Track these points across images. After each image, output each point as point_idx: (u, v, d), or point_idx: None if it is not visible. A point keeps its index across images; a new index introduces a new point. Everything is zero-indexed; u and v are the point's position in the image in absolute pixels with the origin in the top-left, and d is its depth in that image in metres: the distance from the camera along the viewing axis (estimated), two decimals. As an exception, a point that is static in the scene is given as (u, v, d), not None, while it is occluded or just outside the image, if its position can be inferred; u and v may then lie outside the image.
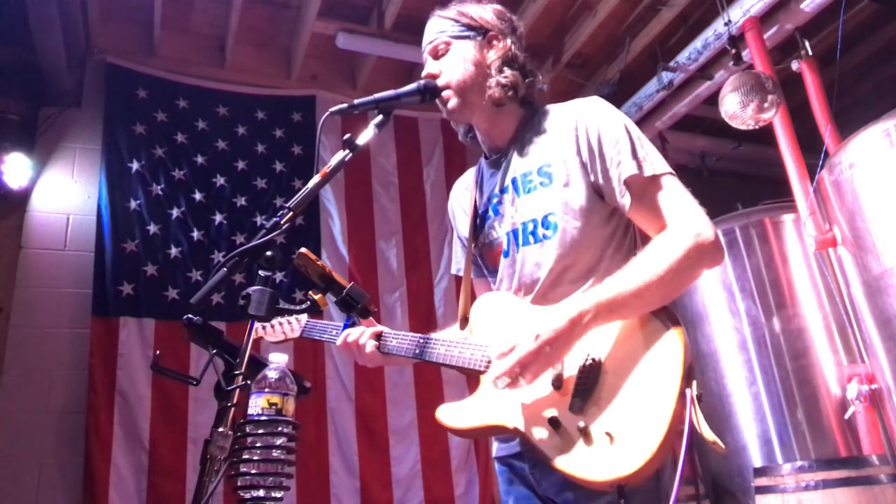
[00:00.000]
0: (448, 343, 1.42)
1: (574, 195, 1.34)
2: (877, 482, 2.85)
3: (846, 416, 3.56)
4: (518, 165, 1.43)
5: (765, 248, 4.06)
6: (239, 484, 1.10)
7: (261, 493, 1.09)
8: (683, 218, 1.26)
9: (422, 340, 1.47)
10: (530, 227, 1.38)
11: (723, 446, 1.10)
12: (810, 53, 4.12)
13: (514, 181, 1.43)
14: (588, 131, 1.34)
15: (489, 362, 1.33)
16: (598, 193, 1.34)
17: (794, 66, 4.16)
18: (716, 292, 4.16)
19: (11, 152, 3.83)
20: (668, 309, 1.21)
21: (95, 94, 4.27)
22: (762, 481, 3.10)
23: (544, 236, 1.35)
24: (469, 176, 1.64)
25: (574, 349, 1.20)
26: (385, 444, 4.23)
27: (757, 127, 3.75)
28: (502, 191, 1.45)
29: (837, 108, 4.02)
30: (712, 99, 4.23)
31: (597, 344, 1.21)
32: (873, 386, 3.41)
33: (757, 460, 3.76)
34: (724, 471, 3.99)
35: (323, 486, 3.99)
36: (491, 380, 1.21)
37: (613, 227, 1.36)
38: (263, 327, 1.76)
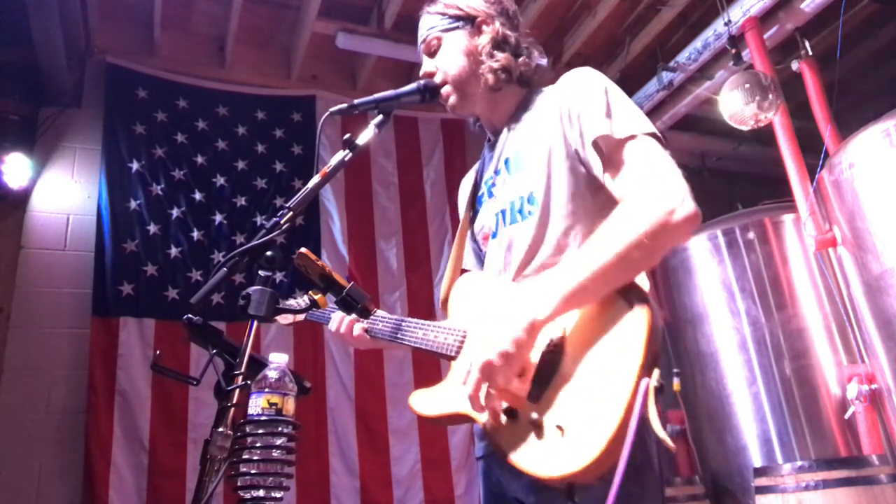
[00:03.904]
0: (425, 326, 1.41)
1: (559, 169, 1.30)
2: (877, 482, 2.85)
3: (846, 416, 3.56)
4: (510, 145, 1.42)
5: (765, 248, 4.06)
6: (239, 484, 1.10)
7: (261, 493, 1.09)
8: (651, 185, 1.15)
9: (403, 324, 1.48)
10: (517, 204, 1.35)
11: (672, 445, 1.00)
12: (810, 53, 4.12)
13: (506, 161, 1.41)
14: (570, 101, 1.30)
15: (459, 348, 1.32)
16: (582, 164, 1.28)
17: (794, 66, 4.16)
18: (716, 292, 4.16)
19: (11, 152, 3.83)
20: (637, 285, 1.12)
21: (95, 94, 4.27)
22: (762, 481, 3.10)
23: (529, 212, 1.32)
24: (475, 167, 1.65)
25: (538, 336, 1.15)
26: (385, 444, 4.23)
27: (757, 127, 3.75)
28: (496, 172, 1.44)
29: (837, 108, 4.01)
30: (712, 99, 4.23)
31: (561, 328, 1.15)
32: (873, 386, 3.41)
33: (757, 460, 3.76)
34: (724, 471, 3.99)
35: (323, 486, 3.99)
36: (465, 396, 1.16)
37: (603, 199, 1.28)
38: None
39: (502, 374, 1.11)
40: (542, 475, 1.04)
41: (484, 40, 1.44)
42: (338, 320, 1.64)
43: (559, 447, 1.04)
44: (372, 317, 1.57)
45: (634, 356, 1.03)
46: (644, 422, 0.97)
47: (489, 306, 1.33)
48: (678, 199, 1.12)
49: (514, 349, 1.10)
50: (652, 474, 1.14)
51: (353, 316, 1.57)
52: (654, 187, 1.14)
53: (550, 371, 1.12)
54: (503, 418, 1.15)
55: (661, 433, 0.99)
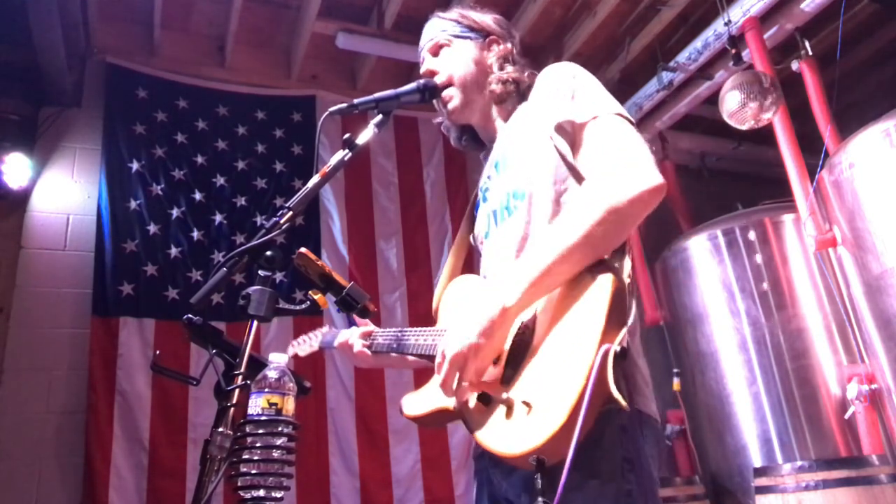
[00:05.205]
0: (417, 332, 1.45)
1: (540, 161, 1.30)
2: (877, 482, 2.85)
3: (846, 416, 3.56)
4: (501, 148, 1.44)
5: (765, 248, 4.06)
6: (239, 484, 1.10)
7: (261, 493, 1.09)
8: (612, 162, 1.14)
9: (400, 334, 1.51)
10: (504, 202, 1.36)
11: (625, 404, 0.96)
12: (810, 53, 4.12)
13: (496, 164, 1.43)
14: (542, 95, 1.34)
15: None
16: (559, 153, 1.29)
17: (794, 66, 4.16)
18: (716, 292, 4.16)
19: (11, 152, 3.83)
20: (603, 260, 1.13)
21: (95, 94, 4.27)
22: (762, 481, 3.10)
23: (516, 207, 1.33)
24: None
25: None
26: (385, 444, 4.23)
27: (757, 127, 3.75)
28: (489, 177, 1.46)
29: (837, 108, 4.01)
30: (712, 99, 4.23)
31: (532, 309, 1.17)
32: (873, 386, 3.41)
33: (757, 460, 3.76)
34: (724, 471, 3.99)
35: (323, 486, 3.99)
36: (439, 388, 1.18)
37: None
38: (299, 344, 1.87)
39: (473, 365, 1.12)
40: (508, 453, 1.03)
41: (494, 55, 1.48)
42: (342, 338, 1.68)
43: (525, 423, 1.03)
44: (374, 334, 1.61)
45: (596, 322, 1.03)
46: (601, 387, 0.95)
47: (469, 303, 1.36)
48: (638, 172, 1.11)
49: (485, 340, 1.11)
50: (645, 472, 1.12)
51: (356, 334, 1.61)
52: (615, 163, 1.14)
53: (522, 352, 1.13)
54: (476, 404, 1.15)
55: (619, 397, 0.96)
